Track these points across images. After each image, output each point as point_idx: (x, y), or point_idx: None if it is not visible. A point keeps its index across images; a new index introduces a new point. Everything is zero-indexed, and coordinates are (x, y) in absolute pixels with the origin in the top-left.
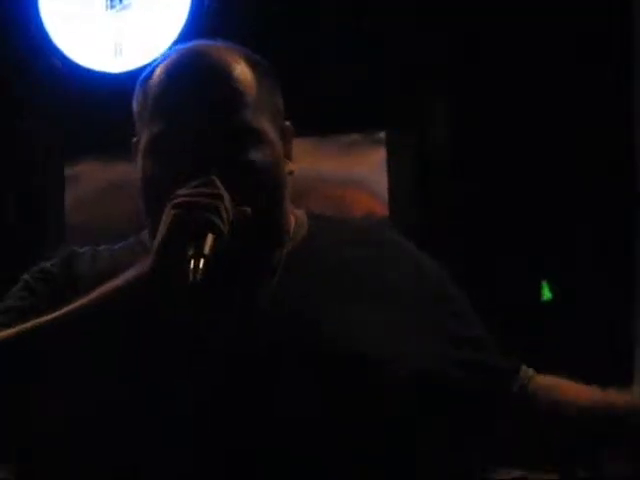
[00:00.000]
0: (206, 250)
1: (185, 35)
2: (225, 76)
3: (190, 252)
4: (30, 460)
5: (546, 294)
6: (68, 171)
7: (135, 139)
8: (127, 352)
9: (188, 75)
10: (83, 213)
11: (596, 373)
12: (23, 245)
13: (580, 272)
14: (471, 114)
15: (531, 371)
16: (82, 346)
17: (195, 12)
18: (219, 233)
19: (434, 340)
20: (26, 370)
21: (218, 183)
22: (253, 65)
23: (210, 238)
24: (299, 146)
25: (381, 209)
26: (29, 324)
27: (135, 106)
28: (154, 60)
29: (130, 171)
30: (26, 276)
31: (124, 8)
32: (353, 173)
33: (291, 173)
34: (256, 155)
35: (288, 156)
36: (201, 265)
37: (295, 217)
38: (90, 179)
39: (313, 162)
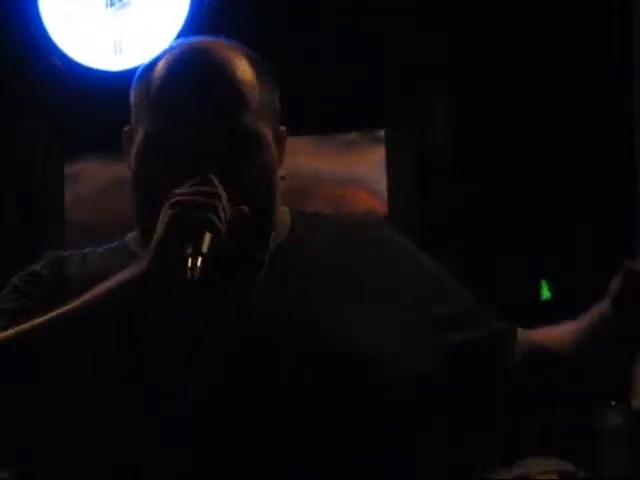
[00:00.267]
0: (204, 249)
1: (185, 33)
2: (229, 75)
3: (188, 251)
4: (30, 460)
5: (546, 294)
6: (68, 169)
7: (128, 127)
8: (125, 352)
9: (192, 71)
10: (83, 211)
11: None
12: (23, 245)
13: (580, 272)
14: (471, 114)
15: (523, 334)
16: (80, 347)
17: (195, 10)
18: (217, 232)
19: (434, 339)
20: (24, 371)
21: (216, 182)
22: (255, 65)
23: (208, 237)
24: (299, 144)
25: (381, 208)
26: (26, 325)
27: (134, 96)
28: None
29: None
30: (14, 279)
31: (124, 6)
32: (353, 172)
33: (282, 178)
34: (255, 157)
35: (281, 161)
36: (199, 264)
37: (278, 214)
38: (90, 177)
39: (313, 161)
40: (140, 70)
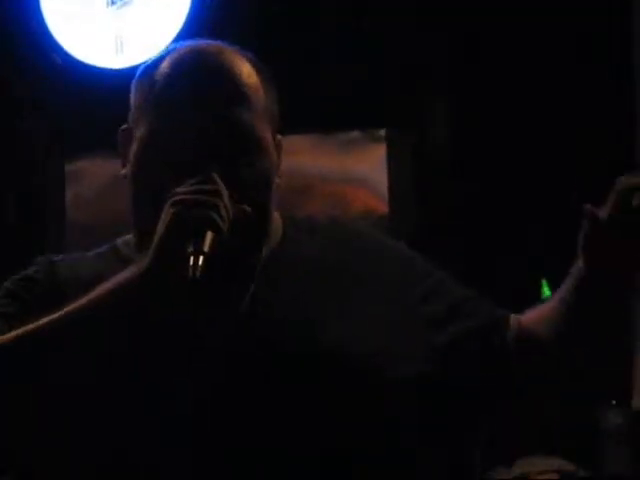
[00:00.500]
0: (205, 247)
1: (186, 31)
2: (231, 77)
3: (189, 249)
4: (29, 461)
5: (546, 293)
6: (69, 168)
7: (125, 127)
8: (125, 352)
9: (194, 73)
10: (84, 210)
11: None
12: (23, 245)
13: None
14: (471, 114)
15: (514, 320)
16: (81, 348)
17: (196, 8)
18: (219, 231)
19: (429, 336)
20: (24, 373)
21: (218, 180)
22: (257, 70)
23: (209, 236)
24: (300, 143)
25: (381, 207)
26: (27, 327)
27: (135, 96)
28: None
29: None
30: (7, 284)
31: (125, 5)
32: (353, 171)
33: (278, 185)
34: (256, 158)
35: (278, 166)
36: (200, 262)
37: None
38: (91, 175)
39: (313, 159)
40: (141, 70)
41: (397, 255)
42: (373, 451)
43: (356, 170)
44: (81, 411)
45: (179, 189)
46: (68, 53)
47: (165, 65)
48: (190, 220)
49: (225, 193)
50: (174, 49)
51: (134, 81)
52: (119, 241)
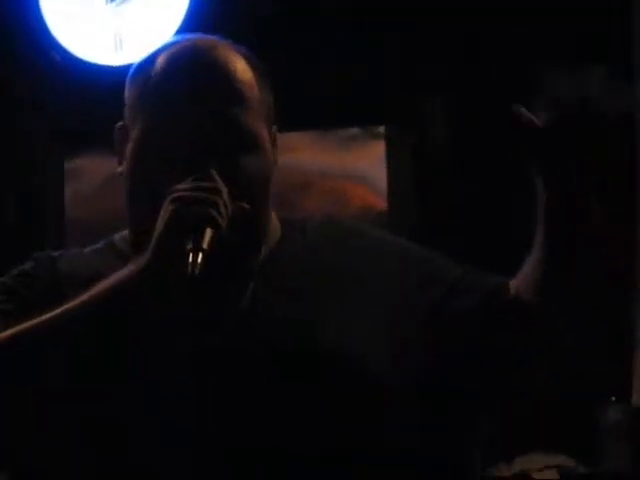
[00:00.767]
0: (204, 244)
1: (184, 29)
2: (226, 72)
3: (188, 246)
4: (28, 461)
5: None
6: (68, 165)
7: (120, 124)
8: (124, 350)
9: (189, 68)
10: (83, 207)
11: (596, 373)
12: (23, 244)
13: None
14: (471, 114)
15: (512, 284)
16: (80, 346)
17: (195, 5)
18: (217, 228)
19: (431, 324)
20: (22, 372)
21: (216, 177)
22: (252, 65)
23: (209, 233)
24: (299, 140)
25: (380, 204)
26: (24, 325)
27: (129, 94)
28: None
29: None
30: (5, 279)
31: (124, 2)
32: (353, 167)
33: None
34: (252, 155)
35: (275, 161)
36: (199, 259)
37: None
38: (91, 173)
39: (313, 156)
40: (135, 67)
41: (394, 250)
42: (372, 451)
43: (355, 167)
44: (79, 410)
45: (178, 186)
46: (67, 50)
47: (159, 61)
48: (189, 217)
49: (224, 190)
50: (168, 45)
51: (128, 78)
52: (116, 237)
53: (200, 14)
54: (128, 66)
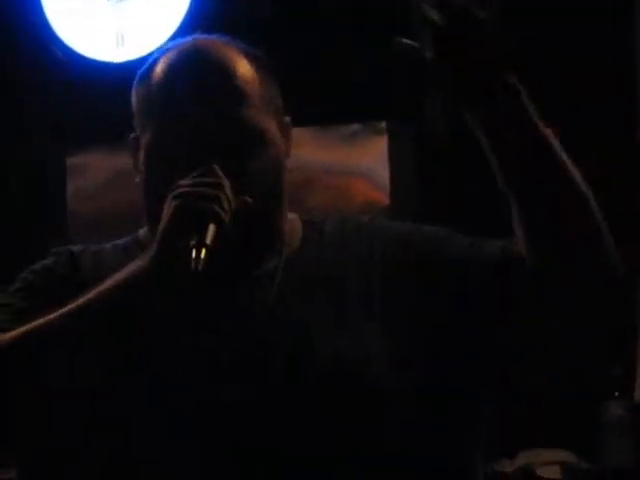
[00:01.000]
0: (208, 240)
1: (186, 25)
2: (226, 71)
3: (192, 242)
4: (37, 457)
5: None
6: (70, 161)
7: (133, 135)
8: (130, 345)
9: (189, 71)
10: (85, 203)
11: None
12: (26, 240)
13: None
14: None
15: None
16: (86, 342)
17: (195, 2)
18: (221, 222)
19: (449, 306)
20: (29, 369)
21: (219, 172)
22: (254, 61)
23: (212, 228)
24: (301, 136)
25: (383, 200)
26: (33, 324)
27: (134, 102)
28: (152, 52)
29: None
30: (27, 275)
31: None
32: (355, 163)
33: (288, 170)
34: (259, 152)
35: (288, 153)
36: (203, 255)
37: (290, 222)
38: (93, 169)
39: (315, 152)
40: (138, 75)
41: (402, 239)
42: (372, 452)
43: (358, 163)
44: (86, 406)
45: (181, 182)
46: (69, 47)
47: (159, 66)
48: (192, 212)
49: (227, 184)
50: (167, 49)
51: (133, 86)
52: (141, 232)
53: (201, 11)
54: (130, 62)
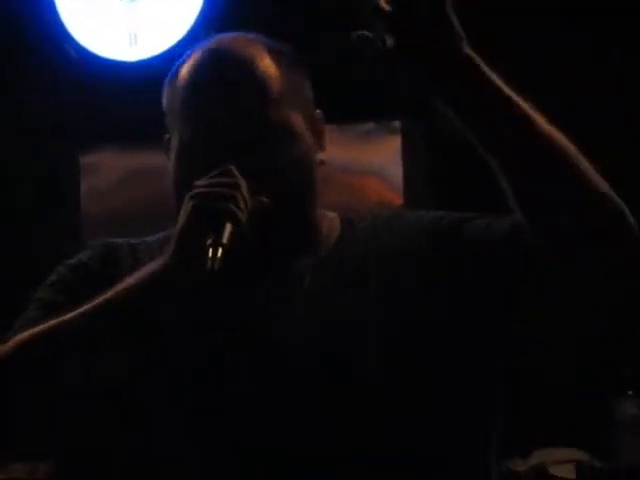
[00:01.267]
0: (224, 239)
1: (199, 23)
2: (248, 70)
3: (208, 241)
4: (72, 451)
5: None
6: (84, 160)
7: (167, 136)
8: (146, 345)
9: (209, 72)
10: (99, 202)
11: (596, 373)
12: (40, 240)
13: None
14: None
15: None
16: (103, 341)
17: (209, 0)
18: (237, 222)
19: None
20: (36, 371)
21: (235, 172)
22: (277, 57)
23: (228, 227)
24: None
25: (396, 199)
26: (45, 325)
27: (164, 105)
28: (170, 49)
29: (146, 160)
30: (62, 269)
31: None
32: (369, 162)
33: (322, 163)
34: (285, 147)
35: (320, 145)
36: (219, 254)
37: (328, 221)
38: (106, 168)
39: (329, 151)
40: (167, 80)
41: (425, 232)
42: (378, 452)
43: (371, 162)
44: (103, 406)
45: (198, 182)
46: (82, 46)
47: (183, 74)
48: (209, 212)
49: (243, 184)
50: (192, 52)
51: (163, 91)
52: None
53: (214, 10)
54: (142, 62)
